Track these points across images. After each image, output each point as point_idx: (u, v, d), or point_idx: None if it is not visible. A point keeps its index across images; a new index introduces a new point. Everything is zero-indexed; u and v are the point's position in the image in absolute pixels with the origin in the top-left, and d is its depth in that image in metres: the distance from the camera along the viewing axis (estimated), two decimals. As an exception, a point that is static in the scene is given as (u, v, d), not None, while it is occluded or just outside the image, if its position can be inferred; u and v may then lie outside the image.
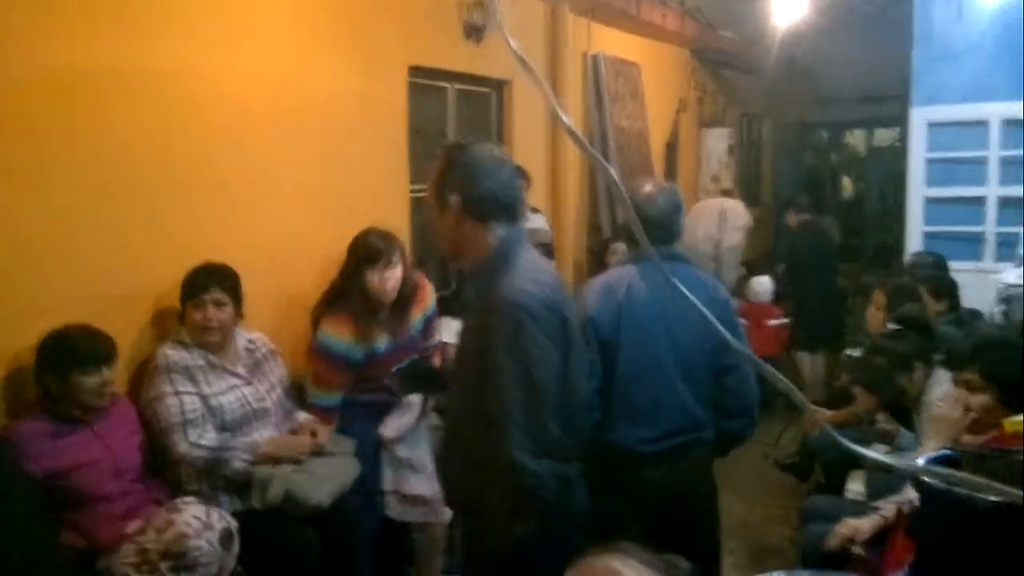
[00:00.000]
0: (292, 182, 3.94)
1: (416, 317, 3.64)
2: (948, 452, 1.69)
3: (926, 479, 1.53)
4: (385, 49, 4.47)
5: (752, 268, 7.11)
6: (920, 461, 1.61)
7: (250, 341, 3.25)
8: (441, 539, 3.62)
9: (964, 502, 1.48)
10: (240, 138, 3.59)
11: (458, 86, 5.25)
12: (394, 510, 3.47)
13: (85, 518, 2.56)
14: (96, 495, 2.59)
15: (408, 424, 3.50)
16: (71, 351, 2.61)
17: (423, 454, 3.53)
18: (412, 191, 4.79)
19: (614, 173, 1.23)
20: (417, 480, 3.48)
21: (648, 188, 2.74)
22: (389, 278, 3.44)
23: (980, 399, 2.54)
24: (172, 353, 2.98)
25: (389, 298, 3.46)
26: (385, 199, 4.56)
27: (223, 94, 3.50)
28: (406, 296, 3.53)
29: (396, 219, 4.62)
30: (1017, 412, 2.35)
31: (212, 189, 3.43)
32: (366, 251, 3.44)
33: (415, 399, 3.54)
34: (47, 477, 2.48)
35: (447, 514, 3.44)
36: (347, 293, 3.45)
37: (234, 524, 2.62)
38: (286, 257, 3.81)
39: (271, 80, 3.77)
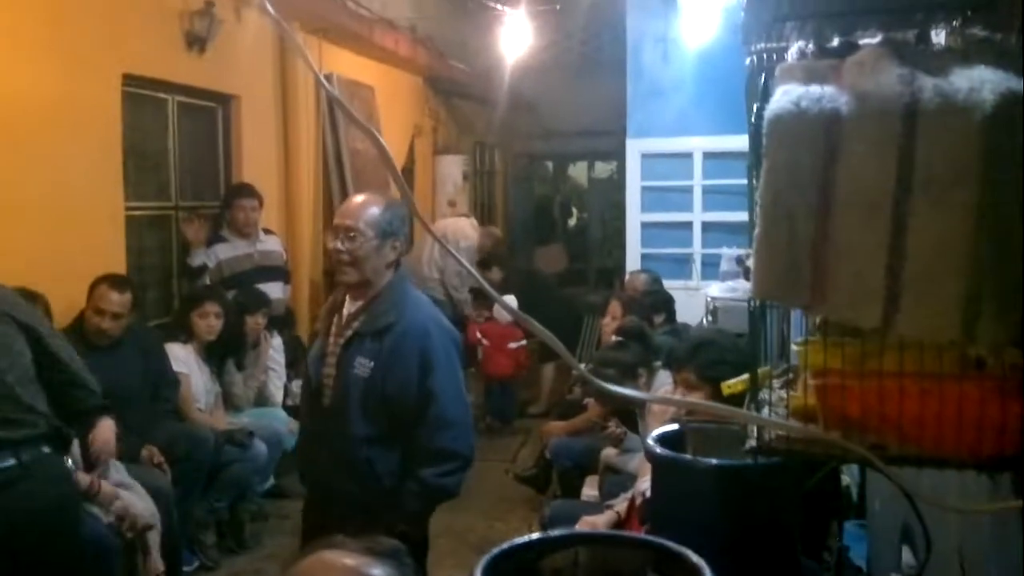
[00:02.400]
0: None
1: None
2: (674, 428, 1.80)
3: (658, 451, 1.62)
4: (95, 54, 4.09)
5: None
6: (650, 440, 1.70)
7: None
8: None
9: (690, 466, 1.58)
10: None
11: (180, 98, 4.93)
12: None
13: None
14: None
15: None
16: None
17: None
18: (128, 209, 4.41)
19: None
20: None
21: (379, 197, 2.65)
22: None
23: (696, 396, 2.73)
24: None
25: None
26: (96, 216, 4.15)
27: None
28: None
29: (109, 237, 4.22)
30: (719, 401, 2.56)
31: None
32: None
33: None
34: None
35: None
36: None
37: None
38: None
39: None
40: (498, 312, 6.45)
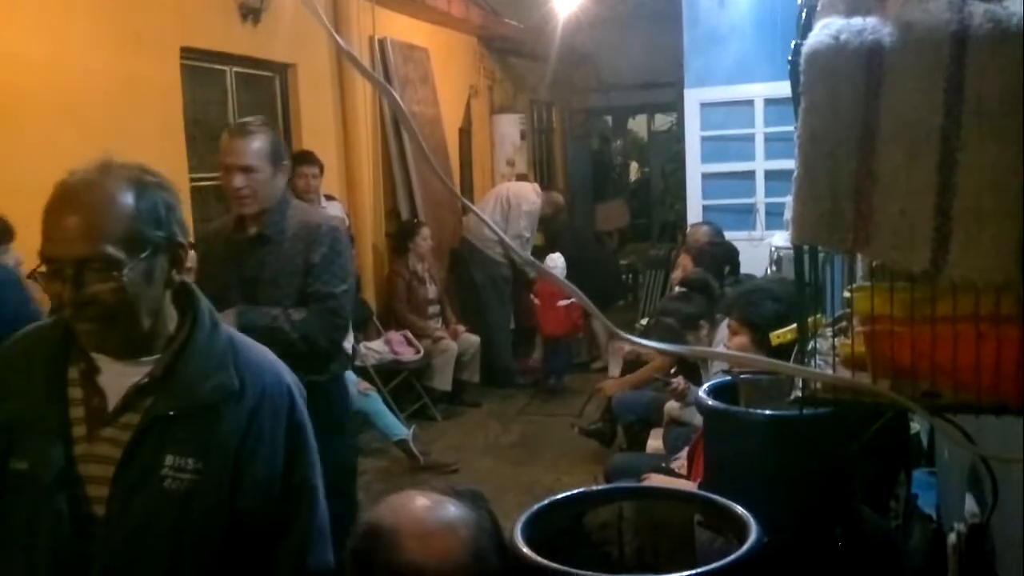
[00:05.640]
0: (54, 173, 3.58)
1: None
2: (726, 379, 1.79)
3: (710, 403, 1.61)
4: (154, 28, 4.17)
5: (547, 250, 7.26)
6: (701, 392, 1.70)
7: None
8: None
9: (740, 417, 1.57)
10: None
11: (238, 69, 5.00)
12: None
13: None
14: None
15: None
16: None
17: None
18: (192, 180, 4.51)
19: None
20: None
21: None
22: None
23: (737, 340, 2.72)
24: None
25: None
26: (162, 189, 4.26)
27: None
28: None
29: (175, 210, 4.33)
30: (767, 350, 2.51)
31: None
32: None
33: None
34: None
35: None
36: None
37: None
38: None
39: (27, 61, 3.41)
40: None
